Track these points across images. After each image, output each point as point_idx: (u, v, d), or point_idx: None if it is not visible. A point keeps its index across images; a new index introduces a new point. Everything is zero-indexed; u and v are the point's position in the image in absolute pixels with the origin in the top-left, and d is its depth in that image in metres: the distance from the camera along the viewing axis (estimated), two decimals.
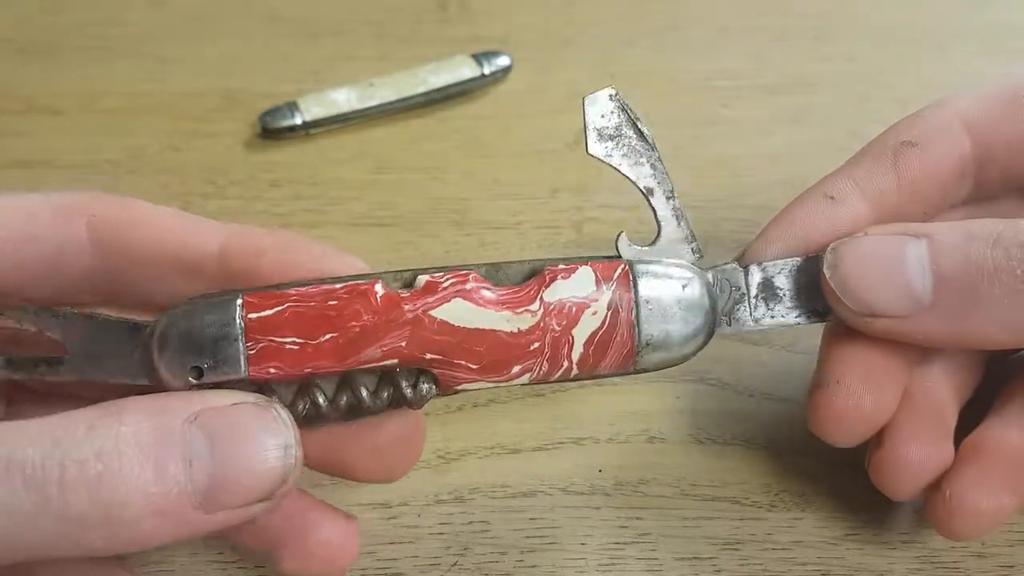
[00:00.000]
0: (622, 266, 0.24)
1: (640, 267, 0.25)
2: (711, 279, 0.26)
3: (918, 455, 0.27)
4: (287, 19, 0.45)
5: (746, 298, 0.27)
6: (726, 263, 0.27)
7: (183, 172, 0.40)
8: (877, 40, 0.45)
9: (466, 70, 0.42)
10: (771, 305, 0.27)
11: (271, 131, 0.40)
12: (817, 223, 0.27)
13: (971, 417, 0.28)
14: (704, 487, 0.31)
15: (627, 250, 0.25)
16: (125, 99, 0.42)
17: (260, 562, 0.29)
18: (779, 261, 0.27)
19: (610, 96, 0.24)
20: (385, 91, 0.41)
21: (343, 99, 0.41)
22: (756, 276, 0.27)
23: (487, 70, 0.42)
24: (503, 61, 0.43)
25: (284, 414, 0.22)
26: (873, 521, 0.30)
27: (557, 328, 0.24)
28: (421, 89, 0.41)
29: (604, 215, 0.38)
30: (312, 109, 0.40)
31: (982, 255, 0.24)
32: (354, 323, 0.23)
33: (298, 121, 0.40)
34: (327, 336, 0.23)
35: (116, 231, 0.25)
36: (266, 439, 0.21)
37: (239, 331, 0.22)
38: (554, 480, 0.31)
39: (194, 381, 0.22)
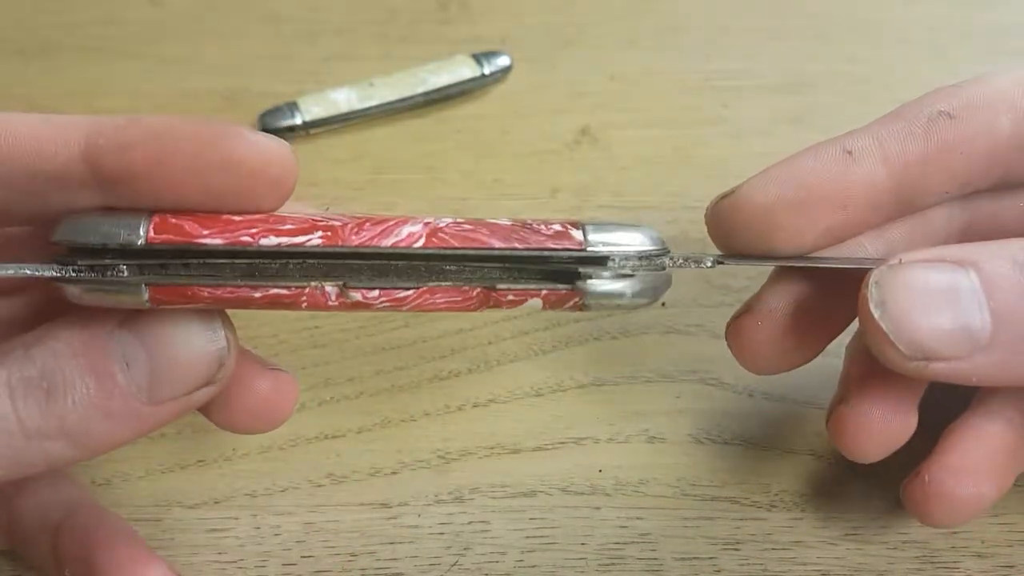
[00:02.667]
0: (576, 299, 0.23)
1: (594, 299, 0.23)
2: (677, 261, 0.25)
3: (880, 415, 0.26)
4: (287, 19, 0.45)
5: (701, 266, 0.25)
6: (703, 260, 0.25)
7: None
8: (877, 40, 0.45)
9: (466, 70, 0.42)
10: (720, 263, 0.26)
11: (271, 131, 0.40)
12: (828, 179, 0.25)
13: (953, 407, 0.28)
14: (704, 487, 0.31)
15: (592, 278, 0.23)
16: (125, 99, 0.42)
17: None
18: (755, 264, 0.26)
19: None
20: (385, 91, 0.41)
21: (343, 99, 0.41)
22: (727, 263, 0.26)
23: (487, 70, 0.42)
24: (503, 61, 0.43)
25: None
26: (873, 521, 0.30)
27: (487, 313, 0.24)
28: (421, 89, 0.41)
29: (604, 215, 0.38)
30: (312, 109, 0.40)
31: None
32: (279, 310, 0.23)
33: (298, 121, 0.40)
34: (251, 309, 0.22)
35: None
36: (192, 328, 0.22)
37: (147, 305, 0.22)
38: (554, 480, 0.31)
39: None
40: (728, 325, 0.28)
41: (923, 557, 0.30)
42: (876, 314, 0.23)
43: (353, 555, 0.30)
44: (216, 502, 0.30)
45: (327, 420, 0.32)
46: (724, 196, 0.26)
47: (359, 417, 0.33)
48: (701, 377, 0.34)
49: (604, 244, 0.23)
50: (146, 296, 0.21)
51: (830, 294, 0.27)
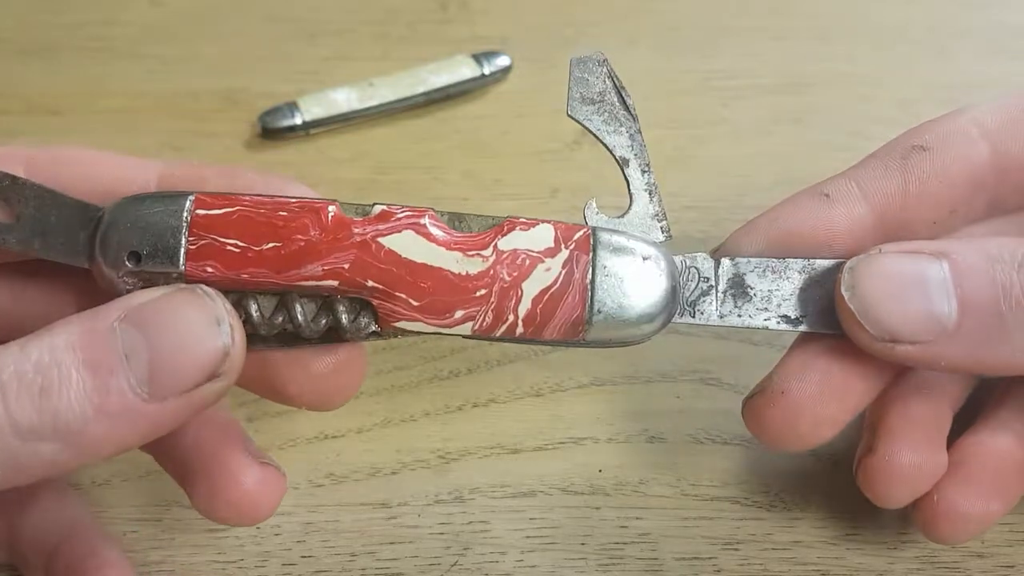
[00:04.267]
0: (585, 230, 0.24)
1: (604, 235, 0.24)
2: (678, 264, 0.25)
3: (912, 462, 0.26)
4: (287, 19, 0.45)
5: (714, 291, 0.26)
6: (698, 252, 0.26)
7: None
8: (877, 40, 0.45)
9: (466, 70, 0.42)
10: (739, 303, 0.26)
11: (271, 131, 0.40)
12: (808, 220, 0.26)
13: (960, 423, 0.28)
14: (704, 487, 0.31)
15: (594, 218, 0.25)
16: (125, 99, 0.42)
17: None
18: (753, 259, 0.26)
19: (598, 61, 0.24)
20: (385, 91, 0.41)
21: (343, 99, 0.41)
22: (727, 270, 0.26)
23: (487, 70, 0.42)
24: (503, 61, 0.43)
25: (212, 292, 0.22)
26: (873, 521, 0.30)
27: (507, 279, 0.23)
28: (421, 89, 0.41)
29: (604, 215, 0.38)
30: (312, 109, 0.40)
31: (1008, 279, 0.23)
32: (299, 236, 0.23)
33: (298, 121, 0.40)
34: (270, 244, 0.23)
35: (54, 174, 0.24)
36: (195, 315, 0.22)
37: (184, 223, 0.22)
38: (554, 480, 0.31)
39: (131, 267, 0.22)
40: (743, 404, 0.28)
41: (923, 557, 0.30)
42: (846, 296, 0.24)
43: (353, 555, 0.30)
44: None
45: (327, 420, 0.32)
46: (715, 250, 0.27)
47: (359, 417, 0.33)
48: (701, 377, 0.34)
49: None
50: (191, 198, 0.23)
51: (845, 373, 0.26)
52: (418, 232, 0.23)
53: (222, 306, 0.22)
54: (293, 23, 0.45)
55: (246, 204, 0.23)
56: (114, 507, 0.30)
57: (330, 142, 0.41)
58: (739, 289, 0.26)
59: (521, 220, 0.24)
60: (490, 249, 0.23)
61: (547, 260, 0.23)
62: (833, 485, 0.31)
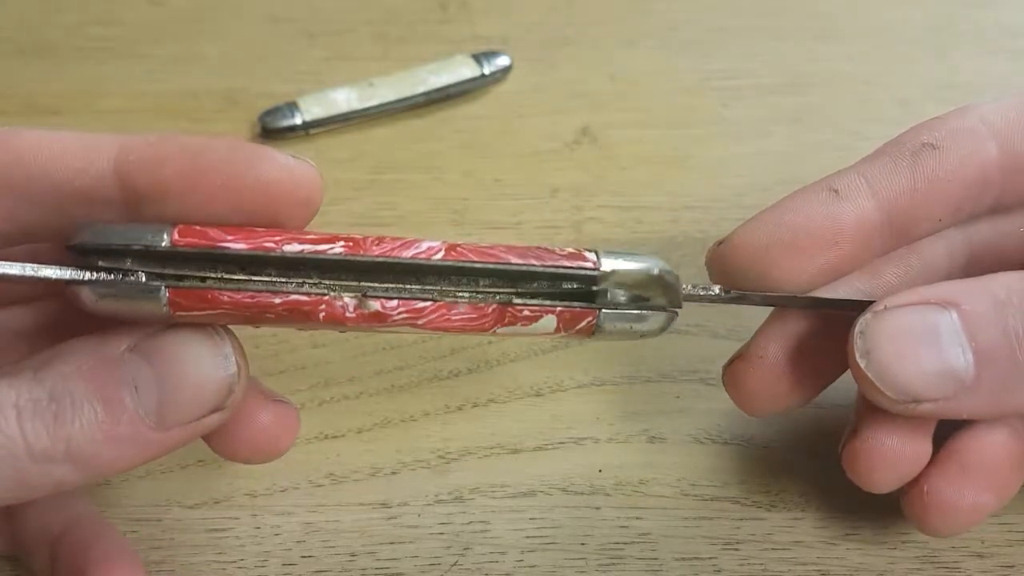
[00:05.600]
0: (589, 319, 0.23)
1: (608, 321, 0.24)
2: (684, 292, 0.25)
3: (893, 446, 0.26)
4: (287, 19, 0.45)
5: (710, 297, 0.26)
6: (712, 291, 0.25)
7: None
8: (877, 40, 0.45)
9: (466, 70, 0.42)
10: (733, 298, 0.26)
11: (271, 131, 0.40)
12: (815, 215, 0.26)
13: (957, 420, 0.28)
14: (704, 487, 0.31)
15: (607, 299, 0.24)
16: (125, 99, 0.42)
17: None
18: (761, 294, 0.26)
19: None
20: (385, 91, 0.41)
21: (343, 99, 0.41)
22: (733, 295, 0.26)
23: (487, 70, 0.42)
24: (503, 61, 0.43)
25: (220, 330, 0.23)
26: (873, 521, 0.30)
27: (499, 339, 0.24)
28: (421, 89, 0.41)
29: (604, 215, 0.38)
30: (312, 109, 0.40)
31: (1019, 325, 0.23)
32: (293, 325, 0.23)
33: (298, 121, 0.40)
34: (263, 325, 0.23)
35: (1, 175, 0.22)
36: (203, 353, 0.22)
37: (166, 315, 0.22)
38: (554, 480, 0.31)
39: None
40: (723, 370, 0.28)
41: (923, 557, 0.30)
42: (862, 364, 0.24)
43: (353, 555, 0.30)
44: (216, 502, 0.30)
45: (327, 420, 0.32)
46: (720, 242, 0.27)
47: (359, 417, 0.33)
48: (701, 377, 0.34)
49: (617, 267, 0.24)
50: (165, 301, 0.21)
51: (823, 339, 0.27)
52: (415, 327, 0.23)
53: (230, 345, 0.22)
54: (293, 23, 0.45)
55: (226, 306, 0.21)
56: (114, 507, 0.30)
57: (330, 142, 0.41)
58: (738, 298, 0.26)
59: (525, 312, 0.23)
60: (490, 332, 0.23)
61: (545, 337, 0.24)
62: (833, 485, 0.31)
